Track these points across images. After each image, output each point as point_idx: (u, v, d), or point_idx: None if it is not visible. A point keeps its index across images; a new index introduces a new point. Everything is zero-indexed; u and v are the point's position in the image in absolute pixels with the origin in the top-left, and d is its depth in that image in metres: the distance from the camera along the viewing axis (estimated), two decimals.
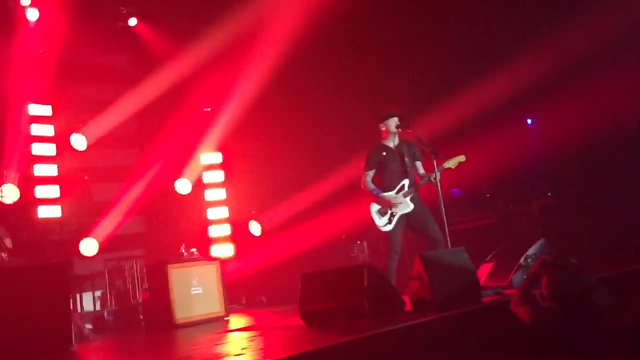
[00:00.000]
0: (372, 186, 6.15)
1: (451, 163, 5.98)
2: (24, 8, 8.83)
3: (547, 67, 7.86)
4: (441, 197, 5.81)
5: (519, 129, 9.26)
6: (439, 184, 5.86)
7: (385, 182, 6.15)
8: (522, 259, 5.86)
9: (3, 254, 6.68)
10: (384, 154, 6.18)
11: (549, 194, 8.58)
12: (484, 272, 6.05)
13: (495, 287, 5.55)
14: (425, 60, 8.68)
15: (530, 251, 5.94)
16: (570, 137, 7.74)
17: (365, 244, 9.12)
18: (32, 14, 8.92)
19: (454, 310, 4.47)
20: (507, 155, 8.18)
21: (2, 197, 6.93)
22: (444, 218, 5.72)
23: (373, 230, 6.26)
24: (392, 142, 6.22)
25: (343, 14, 8.18)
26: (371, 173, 6.20)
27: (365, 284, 4.91)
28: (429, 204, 6.18)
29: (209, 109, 10.01)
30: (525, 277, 4.10)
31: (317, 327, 5.01)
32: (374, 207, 6.11)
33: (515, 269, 5.82)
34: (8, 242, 7.05)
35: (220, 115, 9.72)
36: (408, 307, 5.16)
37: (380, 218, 6.06)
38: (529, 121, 9.63)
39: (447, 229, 5.70)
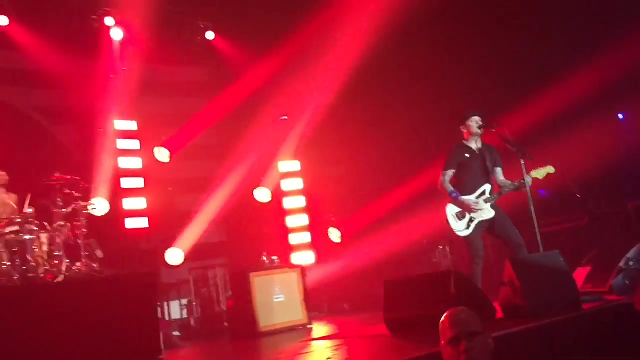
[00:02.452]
0: (450, 187, 5.90)
1: (539, 173, 5.69)
2: (108, 28, 9.22)
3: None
4: (531, 200, 5.51)
5: (610, 124, 8.74)
6: (529, 187, 5.57)
7: (465, 185, 5.89)
8: (623, 262, 5.49)
9: (95, 264, 6.93)
10: (467, 155, 5.95)
11: None
12: (579, 276, 5.71)
13: (594, 293, 5.22)
14: (508, 57, 8.36)
15: (631, 254, 5.56)
16: None
17: (448, 249, 8.87)
18: (116, 33, 9.30)
19: (551, 317, 4.21)
20: (598, 152, 7.74)
21: (93, 209, 7.21)
22: (535, 220, 5.43)
23: (456, 235, 6.04)
24: (475, 144, 5.98)
25: (419, 14, 8.01)
26: (450, 173, 5.95)
27: (452, 291, 4.73)
28: (514, 207, 5.91)
29: (286, 117, 10.07)
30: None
31: (403, 336, 4.87)
32: (452, 210, 5.86)
33: (615, 273, 5.45)
34: (99, 253, 7.31)
35: (297, 123, 9.76)
36: (499, 314, 4.93)
37: (457, 222, 5.82)
38: (621, 116, 9.09)
39: (538, 231, 5.41)
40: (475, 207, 5.76)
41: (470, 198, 5.82)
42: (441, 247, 8.89)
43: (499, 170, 5.98)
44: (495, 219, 5.78)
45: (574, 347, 4.01)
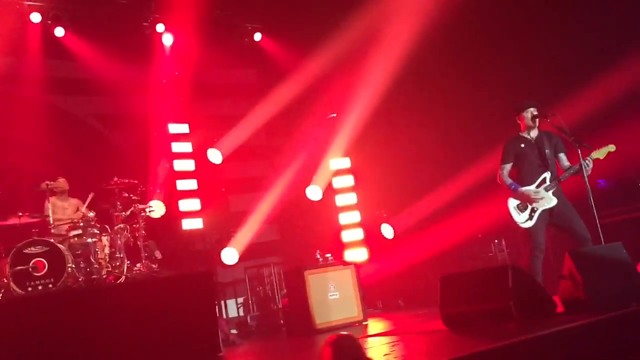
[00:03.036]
0: (509, 180, 5.85)
1: (600, 153, 5.54)
2: (160, 34, 9.44)
3: None
4: (589, 188, 5.37)
5: None
6: (586, 175, 5.43)
7: (523, 175, 5.82)
8: None
9: (154, 265, 7.12)
10: (522, 146, 5.84)
11: None
12: None
13: None
14: (564, 44, 8.12)
15: None
16: None
17: (503, 242, 8.72)
18: (167, 39, 9.51)
19: (614, 311, 4.08)
20: None
21: (150, 212, 7.41)
22: (594, 211, 5.28)
23: (511, 228, 5.94)
24: (531, 134, 5.87)
25: (467, 6, 7.87)
26: (507, 166, 5.89)
27: (510, 285, 4.64)
28: (574, 198, 5.75)
29: (335, 115, 10.08)
30: None
31: (461, 332, 4.81)
32: (512, 203, 5.80)
33: None
34: (158, 254, 7.53)
35: (346, 120, 9.76)
36: (560, 308, 4.81)
37: (519, 214, 5.74)
38: None
39: (597, 222, 5.25)
40: (536, 197, 5.66)
41: (530, 188, 5.73)
42: (496, 241, 8.74)
43: (561, 156, 5.84)
44: (559, 208, 5.65)
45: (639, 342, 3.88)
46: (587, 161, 5.52)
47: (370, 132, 9.65)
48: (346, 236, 10.14)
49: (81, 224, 6.83)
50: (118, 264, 6.81)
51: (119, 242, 6.90)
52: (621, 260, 4.64)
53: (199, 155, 9.52)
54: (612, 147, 5.56)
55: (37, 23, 8.61)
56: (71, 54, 8.95)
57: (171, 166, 9.25)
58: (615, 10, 7.81)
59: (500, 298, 4.68)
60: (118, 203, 7.13)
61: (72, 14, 8.90)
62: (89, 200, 7.22)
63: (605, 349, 3.86)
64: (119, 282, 6.67)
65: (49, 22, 8.72)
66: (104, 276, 6.61)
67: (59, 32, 8.83)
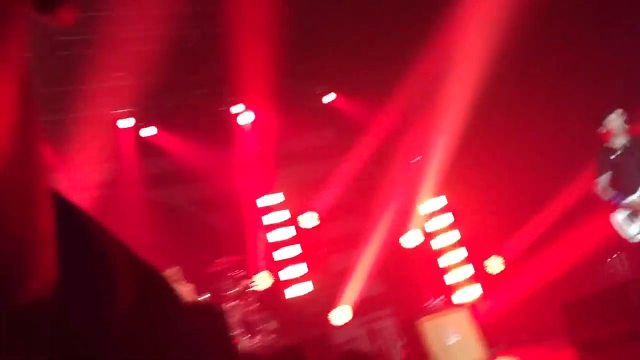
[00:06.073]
0: (610, 192, 5.51)
1: None
2: (236, 115, 9.91)
3: None
4: None
5: None
6: None
7: (623, 186, 5.48)
8: None
9: (271, 336, 7.26)
10: (613, 155, 5.54)
11: None
12: None
13: None
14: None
15: None
16: None
17: (623, 256, 8.19)
18: (245, 118, 9.96)
19: None
20: None
21: (256, 285, 7.61)
22: None
23: (625, 242, 5.58)
24: (620, 142, 5.57)
25: (545, 15, 7.65)
26: (604, 178, 5.57)
27: (637, 302, 4.35)
28: None
29: (420, 157, 10.03)
30: None
31: (594, 357, 4.54)
32: (619, 216, 5.44)
33: None
34: (273, 324, 7.66)
35: (433, 159, 9.68)
36: None
37: (629, 227, 5.37)
38: None
39: None
40: None
41: (633, 198, 5.39)
42: (615, 256, 8.22)
43: None
44: None
45: None
46: None
47: (461, 166, 9.50)
48: (453, 277, 9.85)
49: None
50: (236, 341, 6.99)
51: (233, 319, 7.11)
52: None
53: (295, 221, 9.74)
54: None
55: (130, 127, 9.24)
56: (162, 150, 9.53)
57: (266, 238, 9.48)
58: None
59: (627, 316, 4.40)
60: (226, 281, 7.38)
61: (159, 112, 9.49)
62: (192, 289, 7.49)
63: None
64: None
65: (141, 124, 9.34)
66: None
67: (151, 131, 9.41)
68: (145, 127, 9.36)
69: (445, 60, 8.80)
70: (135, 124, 9.26)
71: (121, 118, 9.14)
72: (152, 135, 9.45)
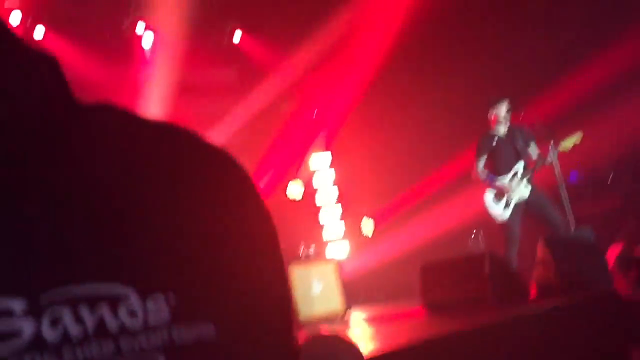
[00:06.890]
0: (484, 173, 6.06)
1: (565, 145, 5.76)
2: (140, 37, 9.49)
3: None
4: (561, 177, 5.61)
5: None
6: (556, 164, 5.66)
7: (497, 169, 6.05)
8: None
9: None
10: (494, 141, 6.07)
11: None
12: (612, 254, 5.76)
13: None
14: (534, 37, 8.33)
15: None
16: None
17: (481, 232, 8.95)
18: (147, 41, 9.56)
19: (583, 294, 4.30)
20: (631, 131, 7.66)
21: None
22: (566, 200, 5.52)
23: (488, 221, 6.16)
24: (502, 129, 6.09)
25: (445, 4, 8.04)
26: (482, 160, 6.11)
27: (487, 272, 4.84)
28: (547, 189, 5.98)
29: (316, 111, 10.21)
30: None
31: (441, 316, 5.01)
32: (489, 195, 6.01)
33: None
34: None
35: (327, 117, 9.89)
36: (533, 293, 5.02)
37: (495, 205, 5.95)
38: None
39: (569, 208, 5.49)
40: (510, 187, 5.87)
41: (504, 179, 5.93)
42: (474, 232, 8.96)
43: (532, 145, 6.08)
44: (533, 199, 5.88)
45: (609, 325, 4.08)
46: (554, 153, 5.72)
47: (351, 127, 9.80)
48: (327, 232, 10.26)
49: None
50: None
51: None
52: (590, 245, 4.86)
53: None
54: (576, 138, 5.76)
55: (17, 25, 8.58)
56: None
57: None
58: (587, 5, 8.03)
59: (478, 284, 4.88)
60: None
61: (51, 14, 8.86)
62: None
63: (577, 331, 4.07)
64: None
65: (29, 21, 8.69)
66: None
67: (39, 32, 8.80)
68: (35, 26, 8.71)
69: (359, 20, 8.93)
70: (23, 20, 8.60)
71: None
72: (42, 38, 8.83)
